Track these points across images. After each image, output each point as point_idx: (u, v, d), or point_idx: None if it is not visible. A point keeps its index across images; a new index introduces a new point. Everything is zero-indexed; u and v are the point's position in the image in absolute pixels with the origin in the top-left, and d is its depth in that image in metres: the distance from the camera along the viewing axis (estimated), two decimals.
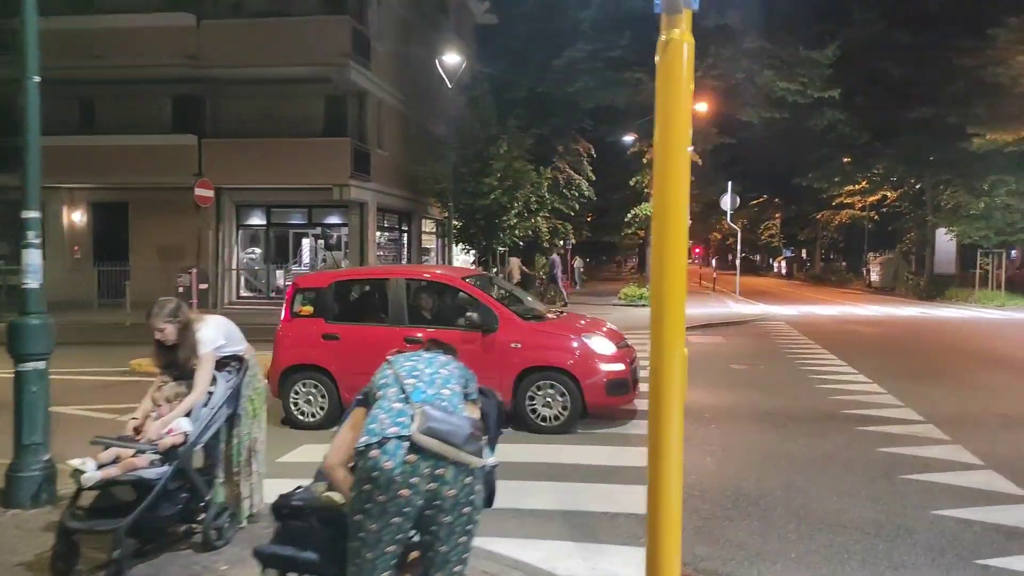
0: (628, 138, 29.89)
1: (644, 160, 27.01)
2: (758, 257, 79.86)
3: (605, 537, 4.56)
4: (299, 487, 3.03)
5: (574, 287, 32.71)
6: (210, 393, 4.24)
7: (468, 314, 7.44)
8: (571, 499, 5.24)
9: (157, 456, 3.93)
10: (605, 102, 25.52)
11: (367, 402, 2.74)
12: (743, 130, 30.04)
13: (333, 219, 22.24)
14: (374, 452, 2.44)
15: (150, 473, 3.86)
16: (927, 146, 29.88)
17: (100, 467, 3.82)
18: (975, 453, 6.34)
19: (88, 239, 21.84)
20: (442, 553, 2.56)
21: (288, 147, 19.87)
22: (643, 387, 5.24)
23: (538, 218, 24.44)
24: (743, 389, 9.53)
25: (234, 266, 21.57)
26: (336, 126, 20.79)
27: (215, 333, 4.29)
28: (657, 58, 2.77)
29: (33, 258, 4.93)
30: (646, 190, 28.24)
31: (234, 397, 4.39)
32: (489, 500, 3.03)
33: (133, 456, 3.88)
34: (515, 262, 23.33)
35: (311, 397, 7.52)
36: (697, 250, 64.18)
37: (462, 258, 26.01)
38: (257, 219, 22.35)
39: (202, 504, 4.19)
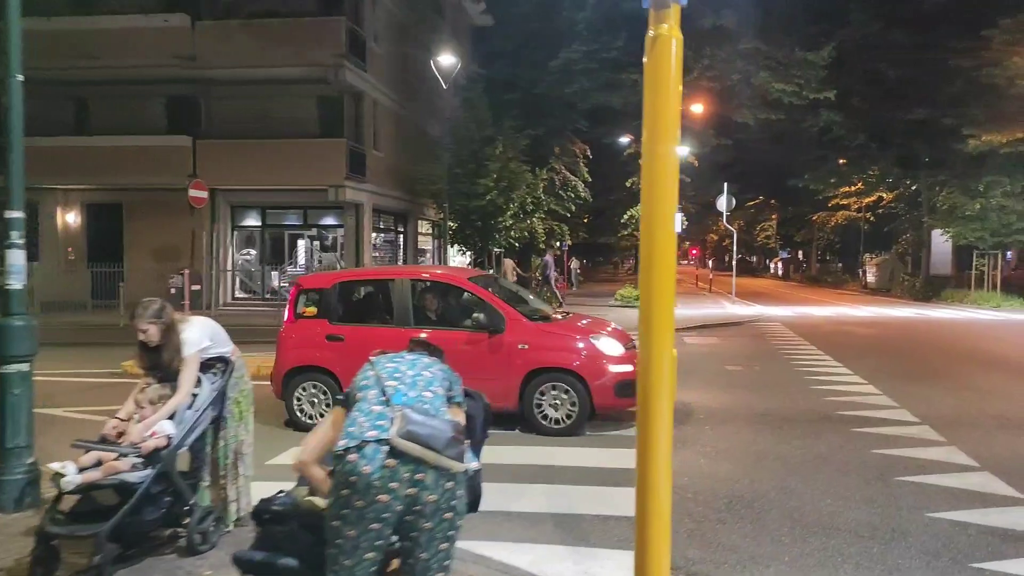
0: (624, 139, 29.90)
1: (640, 161, 26.93)
2: (754, 258, 79.94)
3: (597, 540, 4.50)
4: (281, 491, 2.97)
5: (571, 288, 32.68)
6: (195, 395, 4.18)
7: (475, 315, 7.37)
8: (563, 502, 5.18)
9: (140, 459, 3.86)
10: (601, 103, 25.52)
11: (348, 403, 2.67)
12: (739, 131, 30.10)
13: (328, 220, 22.17)
14: (352, 456, 2.37)
15: (132, 477, 3.79)
16: (923, 147, 29.92)
17: (81, 471, 3.76)
18: (970, 455, 6.30)
19: (82, 240, 21.73)
20: (423, 560, 2.50)
21: (283, 148, 19.80)
22: None
23: (534, 219, 24.38)
24: (738, 390, 9.48)
25: (229, 267, 21.49)
26: (331, 127, 20.72)
27: (200, 334, 4.23)
28: (645, 55, 2.72)
29: (16, 259, 4.85)
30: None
31: (219, 399, 4.33)
32: (474, 505, 2.98)
33: (115, 459, 3.81)
34: (509, 263, 23.28)
35: (315, 399, 7.45)
36: (694, 251, 64.24)
37: (458, 259, 25.95)
38: (252, 220, 22.27)
39: (186, 508, 4.12)
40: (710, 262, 69.11)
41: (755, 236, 68.29)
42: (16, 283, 4.87)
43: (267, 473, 5.39)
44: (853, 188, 39.94)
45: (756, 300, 28.84)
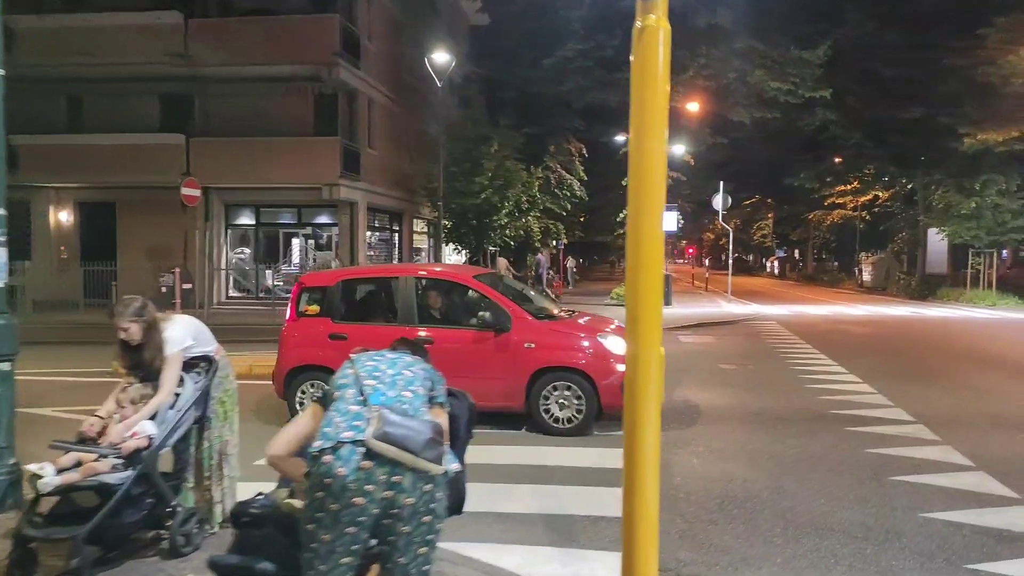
0: (620, 138, 29.78)
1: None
2: (751, 257, 79.97)
3: (586, 541, 4.44)
4: (260, 494, 2.90)
5: (567, 287, 32.63)
6: (177, 395, 4.10)
7: (480, 313, 7.28)
8: (554, 502, 5.12)
9: (120, 460, 3.79)
10: (597, 102, 25.44)
11: (325, 401, 2.61)
12: (735, 130, 30.02)
13: (323, 219, 22.10)
14: (327, 458, 2.30)
15: (112, 478, 3.71)
16: (918, 146, 29.90)
17: (60, 472, 3.68)
18: (966, 454, 6.25)
19: (75, 239, 21.63)
20: (401, 565, 2.43)
21: (277, 146, 19.72)
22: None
23: (529, 218, 24.31)
24: (732, 389, 9.43)
25: (223, 266, 21.39)
26: (326, 125, 20.65)
27: (183, 333, 4.15)
28: (632, 46, 2.66)
29: None
30: None
31: (203, 399, 4.25)
32: (458, 507, 2.92)
33: (95, 461, 3.74)
34: (502, 262, 23.22)
35: None
36: (690, 250, 64.27)
37: (453, 258, 25.88)
38: (246, 219, 22.19)
39: (169, 510, 4.05)
40: (706, 261, 69.14)
41: (751, 235, 68.32)
42: None
43: (256, 474, 5.32)
44: (849, 187, 39.97)
45: (752, 299, 28.82)
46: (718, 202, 27.21)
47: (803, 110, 27.64)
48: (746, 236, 68.15)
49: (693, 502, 5.14)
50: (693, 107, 24.91)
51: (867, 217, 42.09)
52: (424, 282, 7.79)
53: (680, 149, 29.59)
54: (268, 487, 3.22)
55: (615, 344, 7.21)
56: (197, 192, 15.41)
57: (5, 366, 4.81)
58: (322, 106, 20.84)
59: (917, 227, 33.85)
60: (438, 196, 20.09)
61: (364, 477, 2.30)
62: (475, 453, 6.11)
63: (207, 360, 4.33)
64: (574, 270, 37.73)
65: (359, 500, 2.29)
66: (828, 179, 39.89)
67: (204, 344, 4.34)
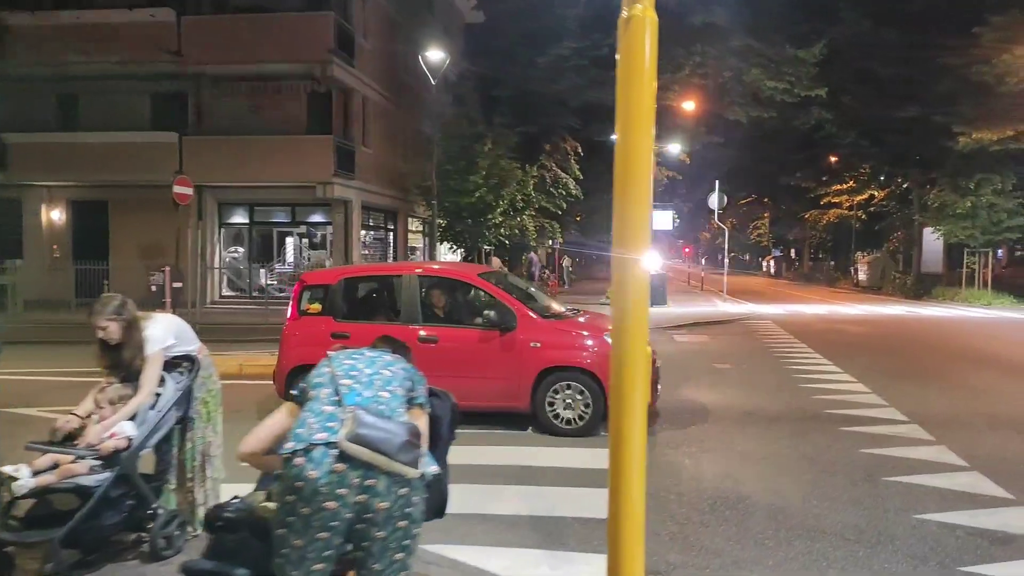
0: (616, 137, 29.69)
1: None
2: (747, 256, 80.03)
3: (575, 544, 4.37)
4: (235, 497, 2.83)
5: (563, 286, 32.55)
6: (158, 395, 4.03)
7: (486, 312, 7.20)
8: (543, 503, 5.05)
9: (98, 462, 3.71)
10: (593, 100, 25.34)
11: (301, 399, 2.53)
12: (731, 129, 30.01)
13: (317, 217, 21.99)
14: (299, 460, 2.23)
15: (89, 480, 3.64)
16: (913, 145, 29.91)
17: (36, 474, 3.61)
18: (960, 454, 6.20)
19: (67, 238, 21.47)
20: (376, 571, 2.34)
21: (271, 145, 19.60)
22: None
23: (524, 216, 24.23)
24: (726, 389, 9.37)
25: (216, 265, 21.27)
26: (320, 124, 20.53)
27: (164, 332, 4.07)
28: (618, 37, 2.59)
29: None
30: None
31: (185, 399, 4.17)
32: (440, 510, 2.85)
33: (71, 462, 3.66)
34: (496, 262, 23.16)
35: None
36: (686, 250, 64.28)
37: (448, 257, 25.78)
38: (240, 217, 22.06)
39: (150, 512, 3.97)
40: (703, 260, 69.18)
41: (748, 234, 68.33)
42: None
43: (241, 475, 5.23)
44: (845, 186, 39.99)
45: (748, 298, 28.79)
46: (713, 201, 27.17)
47: (799, 109, 27.62)
48: (742, 236, 68.15)
49: (684, 503, 5.08)
50: (689, 106, 24.89)
51: (863, 216, 42.09)
52: (428, 280, 7.71)
53: (676, 148, 29.58)
54: (243, 490, 3.15)
55: None
56: (189, 190, 15.30)
57: None
58: (316, 104, 20.73)
59: (912, 226, 33.86)
60: (432, 195, 20.00)
61: (336, 480, 2.22)
62: (464, 454, 6.06)
63: (189, 360, 4.25)
64: (570, 269, 37.66)
65: (331, 504, 2.22)
66: (824, 178, 39.90)
67: (186, 343, 4.27)
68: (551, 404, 6.93)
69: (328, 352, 2.67)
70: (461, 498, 4.98)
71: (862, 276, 39.87)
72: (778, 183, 44.58)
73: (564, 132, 27.28)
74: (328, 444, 2.25)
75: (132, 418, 3.90)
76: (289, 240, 22.56)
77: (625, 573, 2.68)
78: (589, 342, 7.14)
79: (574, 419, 6.89)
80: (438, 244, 22.85)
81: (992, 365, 11.68)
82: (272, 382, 7.61)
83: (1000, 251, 33.31)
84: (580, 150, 29.14)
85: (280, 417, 2.57)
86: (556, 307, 8.09)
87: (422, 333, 7.08)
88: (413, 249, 27.89)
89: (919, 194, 32.37)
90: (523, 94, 25.41)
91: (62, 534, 3.47)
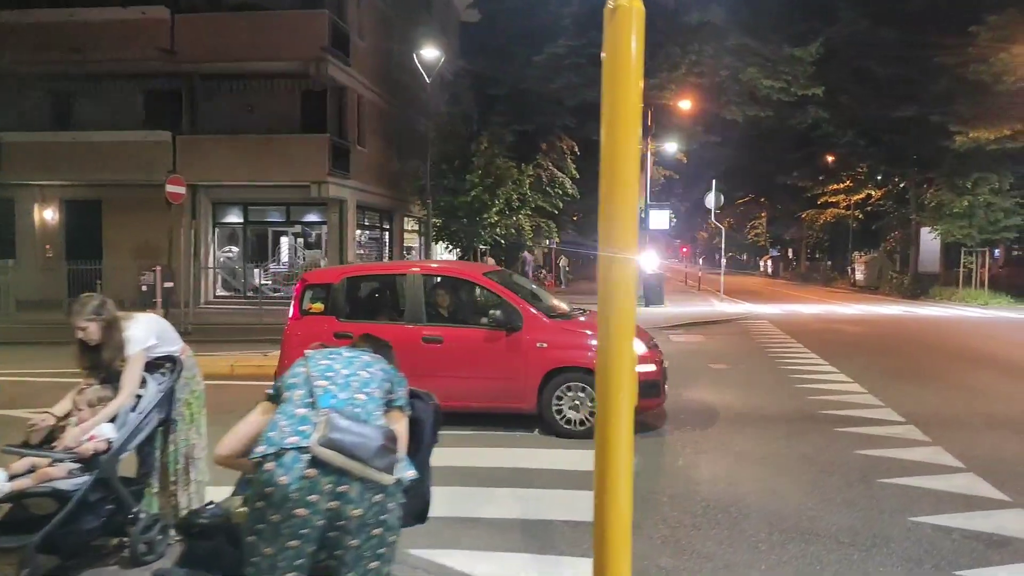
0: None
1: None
2: (744, 256, 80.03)
3: (565, 548, 4.29)
4: (211, 503, 2.75)
5: (559, 286, 32.47)
6: (139, 396, 3.94)
7: (491, 312, 7.10)
8: (534, 507, 4.98)
9: (76, 465, 3.63)
10: (589, 99, 25.26)
11: (277, 399, 2.44)
12: (728, 128, 29.95)
13: (312, 217, 21.91)
14: (269, 465, 2.14)
15: (66, 484, 3.56)
16: (911, 144, 29.88)
17: (12, 478, 3.53)
18: (956, 455, 6.13)
19: (60, 237, 21.36)
20: None
21: (265, 144, 19.53)
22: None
23: (520, 216, 24.15)
24: (721, 389, 9.30)
25: (210, 264, 21.18)
26: (314, 122, 20.44)
27: (145, 332, 3.99)
28: (604, 28, 2.52)
29: None
30: None
31: (167, 401, 4.09)
32: (422, 515, 2.78)
33: (48, 466, 3.57)
34: (490, 262, 23.09)
35: None
36: (684, 249, 64.27)
37: (445, 256, 25.71)
38: (234, 217, 21.97)
39: (130, 516, 3.89)
40: (700, 260, 69.17)
41: (745, 234, 68.32)
42: None
43: (228, 478, 5.15)
44: (841, 185, 39.96)
45: (744, 298, 28.73)
46: (711, 201, 27.14)
47: (796, 108, 27.55)
48: (740, 235, 68.14)
49: (677, 506, 5.01)
50: (685, 105, 24.82)
51: (860, 216, 42.08)
52: (432, 279, 7.63)
53: (673, 147, 29.52)
54: (228, 493, 3.07)
55: None
56: (182, 189, 15.19)
57: None
58: (311, 103, 20.65)
59: (909, 226, 33.84)
60: (427, 194, 19.93)
61: (308, 487, 2.13)
62: (458, 455, 6.01)
63: (171, 360, 4.17)
64: (567, 269, 37.59)
65: (301, 511, 2.13)
66: (821, 178, 39.86)
67: (168, 344, 4.19)
68: (558, 405, 6.84)
69: (305, 351, 2.58)
70: (452, 501, 4.94)
71: (859, 276, 39.85)
72: (775, 182, 44.53)
73: (560, 131, 27.18)
74: (300, 448, 2.17)
75: (112, 420, 3.83)
76: (284, 240, 22.48)
77: None
78: (595, 342, 7.02)
79: (581, 420, 6.78)
80: (433, 244, 22.78)
81: (989, 365, 11.63)
82: (272, 383, 7.51)
83: (997, 251, 33.29)
84: (576, 149, 29.06)
85: (255, 418, 2.48)
86: (562, 307, 7.98)
87: (426, 333, 6.99)
88: (409, 249, 27.79)
89: (916, 193, 32.35)
90: (519, 93, 25.32)
91: (37, 539, 3.39)
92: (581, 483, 5.45)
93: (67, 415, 3.85)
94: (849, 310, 23.73)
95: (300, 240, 22.39)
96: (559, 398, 6.83)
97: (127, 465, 4.05)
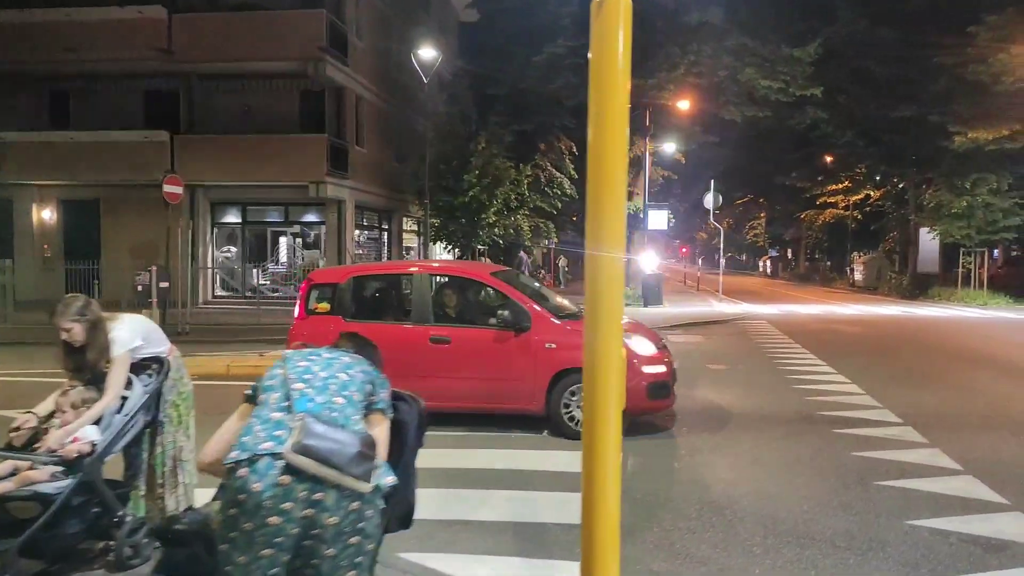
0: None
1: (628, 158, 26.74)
2: (744, 256, 79.99)
3: (559, 552, 4.23)
4: (189, 508, 2.69)
5: (558, 285, 32.42)
6: (125, 398, 3.89)
7: (500, 312, 7.04)
8: (528, 509, 4.92)
9: (60, 468, 3.58)
10: (588, 99, 25.23)
11: (255, 401, 2.39)
12: (726, 128, 29.86)
13: (310, 217, 21.86)
14: (242, 471, 2.08)
15: (48, 487, 3.50)
16: (909, 145, 29.84)
17: None
18: (954, 457, 6.08)
19: (59, 237, 21.31)
20: None
21: (263, 144, 19.48)
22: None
23: (518, 216, 24.10)
24: (719, 390, 9.24)
25: (209, 264, 21.12)
26: (313, 122, 20.41)
27: (131, 333, 3.94)
28: (591, 22, 2.47)
29: None
30: (629, 188, 28.02)
31: (154, 402, 4.04)
32: (406, 520, 2.72)
33: (30, 469, 3.52)
34: (487, 262, 23.06)
35: None
36: (683, 250, 64.21)
37: (444, 256, 25.65)
38: (233, 217, 21.92)
39: (116, 519, 3.83)
40: (700, 260, 69.07)
41: (744, 234, 68.29)
42: None
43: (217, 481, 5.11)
44: (840, 186, 39.93)
45: (743, 298, 28.69)
46: (709, 201, 27.09)
47: (794, 108, 27.48)
48: (739, 235, 68.10)
49: (671, 509, 4.95)
50: (684, 105, 24.76)
51: (859, 216, 42.05)
52: (439, 279, 7.58)
53: (671, 148, 29.46)
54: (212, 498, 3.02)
55: (640, 345, 6.94)
56: (179, 189, 15.15)
57: None
58: (309, 103, 20.62)
59: (908, 226, 33.79)
60: (425, 194, 19.88)
61: (281, 494, 2.07)
62: (449, 457, 5.96)
63: (158, 361, 4.12)
64: (566, 269, 37.55)
65: (275, 519, 2.07)
66: (820, 178, 39.81)
67: (155, 344, 4.14)
68: (567, 407, 6.76)
69: (284, 351, 2.52)
70: (445, 503, 4.89)
71: (858, 276, 39.80)
72: (774, 183, 44.49)
73: (559, 131, 27.13)
74: (274, 455, 2.11)
75: (97, 422, 3.77)
76: (283, 240, 22.43)
77: None
78: None
79: None
80: (432, 244, 22.71)
81: (987, 365, 11.58)
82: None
83: (996, 251, 33.25)
84: (575, 149, 29.03)
85: (235, 423, 2.42)
86: (569, 307, 7.90)
87: (434, 333, 6.94)
88: (408, 249, 27.74)
89: (915, 194, 32.31)
90: (518, 93, 25.27)
91: (19, 543, 3.34)
92: (577, 485, 5.37)
93: (50, 416, 3.80)
94: (848, 310, 23.68)
95: (299, 240, 22.34)
96: (568, 399, 6.76)
97: (114, 468, 4.00)
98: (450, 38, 29.28)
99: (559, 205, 27.46)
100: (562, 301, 8.25)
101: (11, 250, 20.78)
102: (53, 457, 3.58)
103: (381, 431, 2.41)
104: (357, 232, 22.56)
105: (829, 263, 50.62)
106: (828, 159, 38.15)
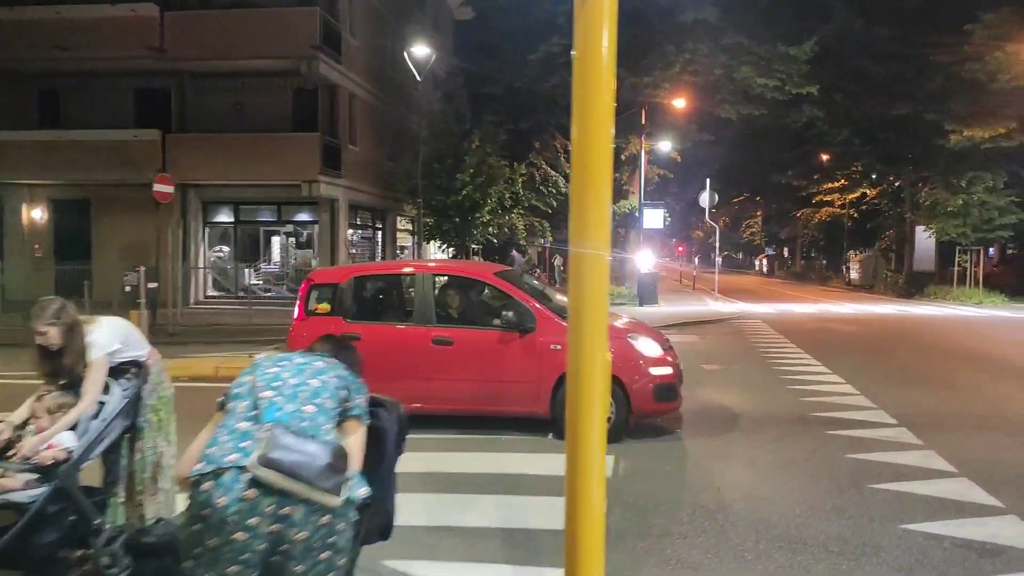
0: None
1: (622, 157, 26.71)
2: (740, 255, 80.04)
3: (547, 559, 4.15)
4: (160, 520, 2.61)
5: (553, 285, 32.36)
6: (102, 403, 3.80)
7: (504, 313, 6.94)
8: (517, 515, 4.84)
9: (34, 476, 3.48)
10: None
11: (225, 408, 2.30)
12: (722, 127, 29.82)
13: (303, 216, 21.73)
14: (207, 485, 2.00)
15: (21, 496, 3.40)
16: (905, 143, 29.83)
17: None
18: (949, 459, 6.01)
19: (49, 237, 21.15)
20: None
21: (256, 142, 19.36)
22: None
23: (513, 215, 24.01)
24: (712, 391, 9.17)
25: (201, 264, 21.00)
26: (306, 121, 20.29)
27: (109, 336, 3.84)
28: (575, 13, 2.39)
29: None
30: (624, 186, 27.96)
31: (132, 407, 3.94)
32: (385, 531, 2.64)
33: (3, 476, 3.43)
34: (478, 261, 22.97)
35: None
36: (680, 248, 64.26)
37: (439, 255, 25.55)
38: (225, 216, 21.79)
39: (94, 527, 3.74)
40: (696, 259, 69.07)
41: (741, 233, 68.32)
42: None
43: None
44: (836, 184, 39.92)
45: (739, 297, 28.67)
46: (705, 199, 27.02)
47: (790, 107, 27.46)
48: (735, 234, 68.13)
49: (663, 513, 4.88)
50: (680, 103, 24.69)
51: (855, 215, 42.08)
52: (442, 279, 7.50)
53: (667, 146, 29.39)
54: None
55: (647, 346, 6.86)
56: (170, 189, 15.02)
57: None
58: (302, 101, 20.49)
59: (904, 225, 33.81)
60: (418, 193, 19.79)
61: (247, 509, 1.99)
62: (437, 460, 5.88)
63: (137, 365, 4.02)
64: (561, 268, 37.50)
65: (240, 535, 1.99)
66: (816, 176, 39.79)
67: (134, 348, 4.04)
68: None
69: (255, 357, 2.43)
70: (431, 509, 4.81)
71: (854, 275, 39.83)
72: (770, 181, 44.48)
73: (554, 130, 27.03)
74: (240, 467, 2.02)
75: (73, 428, 3.68)
76: (275, 239, 22.30)
77: None
78: (611, 344, 6.82)
79: None
80: (426, 243, 22.61)
81: (983, 365, 11.54)
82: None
83: (992, 249, 33.28)
84: (570, 148, 28.97)
85: (207, 432, 2.34)
86: None
87: (436, 334, 6.85)
88: (402, 248, 27.63)
89: (911, 192, 32.32)
90: (512, 91, 25.18)
91: None
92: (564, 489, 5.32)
93: (25, 424, 3.70)
94: (843, 309, 23.66)
95: (292, 240, 22.23)
96: None
97: (93, 474, 3.91)
98: (445, 36, 29.15)
99: (554, 204, 27.36)
100: (565, 301, 8.14)
101: (1, 250, 20.64)
102: (27, 464, 3.48)
103: (356, 439, 2.33)
104: (351, 231, 22.45)
105: (825, 261, 50.65)
106: (824, 157, 38.15)
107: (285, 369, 2.36)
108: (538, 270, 33.16)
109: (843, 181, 39.37)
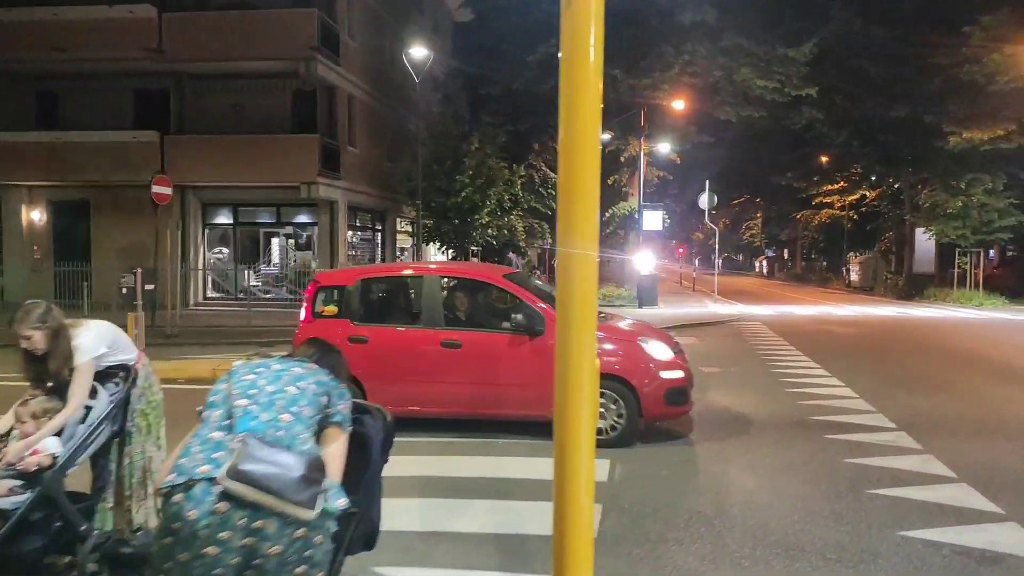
0: (604, 136, 29.49)
1: (621, 159, 26.70)
2: (740, 257, 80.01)
3: (540, 565, 4.09)
4: (139, 529, 2.55)
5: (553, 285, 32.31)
6: (89, 408, 3.75)
7: (513, 315, 6.87)
8: (510, 520, 4.78)
9: (18, 482, 3.43)
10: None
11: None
12: (721, 129, 29.76)
13: (303, 218, 21.70)
14: (177, 497, 1.94)
15: (5, 503, 3.35)
16: (905, 145, 29.78)
17: None
18: (948, 464, 5.96)
19: (48, 239, 21.12)
20: None
21: (255, 144, 19.32)
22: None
23: (512, 216, 23.98)
24: (711, 394, 9.11)
25: (200, 266, 20.96)
26: (304, 122, 20.28)
27: (95, 340, 3.79)
28: (561, 14, 2.34)
29: None
30: (624, 188, 27.92)
31: (120, 412, 3.90)
32: (370, 540, 2.58)
33: None
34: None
35: None
36: (680, 250, 64.20)
37: (438, 257, 25.49)
38: (224, 218, 21.76)
39: (79, 534, 3.69)
40: (696, 261, 69.05)
41: (740, 235, 68.27)
42: None
43: None
44: (836, 186, 39.88)
45: (739, 299, 28.61)
46: (704, 201, 26.99)
47: (790, 109, 27.39)
48: (735, 236, 68.09)
49: (659, 519, 4.82)
50: (679, 105, 24.65)
51: (855, 217, 42.03)
52: (450, 282, 7.43)
53: (666, 148, 29.36)
54: None
55: (657, 349, 6.80)
56: (168, 190, 14.99)
57: None
58: (301, 103, 20.47)
59: (904, 227, 33.75)
60: (417, 194, 19.75)
61: (218, 522, 1.93)
62: (432, 464, 5.82)
63: (125, 369, 3.98)
64: None
65: (212, 550, 1.93)
66: (815, 178, 39.74)
67: (122, 352, 3.99)
68: None
69: (233, 363, 2.37)
70: (424, 514, 4.76)
71: (854, 276, 39.78)
72: (769, 183, 44.42)
73: (553, 131, 26.80)
74: (211, 479, 1.96)
75: (59, 434, 3.63)
76: (275, 241, 22.27)
77: None
78: (621, 347, 6.78)
79: (606, 429, 6.48)
80: (425, 245, 22.56)
81: (983, 368, 11.48)
82: None
83: (991, 251, 33.22)
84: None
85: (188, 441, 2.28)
86: None
87: (445, 337, 6.79)
88: (402, 250, 27.59)
89: (910, 194, 32.26)
90: (512, 92, 25.13)
91: None
92: None
93: (10, 430, 3.65)
94: (843, 311, 23.60)
95: (291, 241, 22.19)
96: None
97: (81, 480, 3.86)
98: (443, 37, 29.15)
99: (553, 205, 27.27)
100: None
101: (0, 252, 20.60)
102: (11, 471, 3.43)
103: (337, 447, 2.27)
104: (350, 233, 22.42)
105: (825, 263, 50.60)
106: (824, 159, 38.10)
107: (261, 376, 2.29)
108: (537, 271, 33.10)
109: (843, 183, 39.33)
